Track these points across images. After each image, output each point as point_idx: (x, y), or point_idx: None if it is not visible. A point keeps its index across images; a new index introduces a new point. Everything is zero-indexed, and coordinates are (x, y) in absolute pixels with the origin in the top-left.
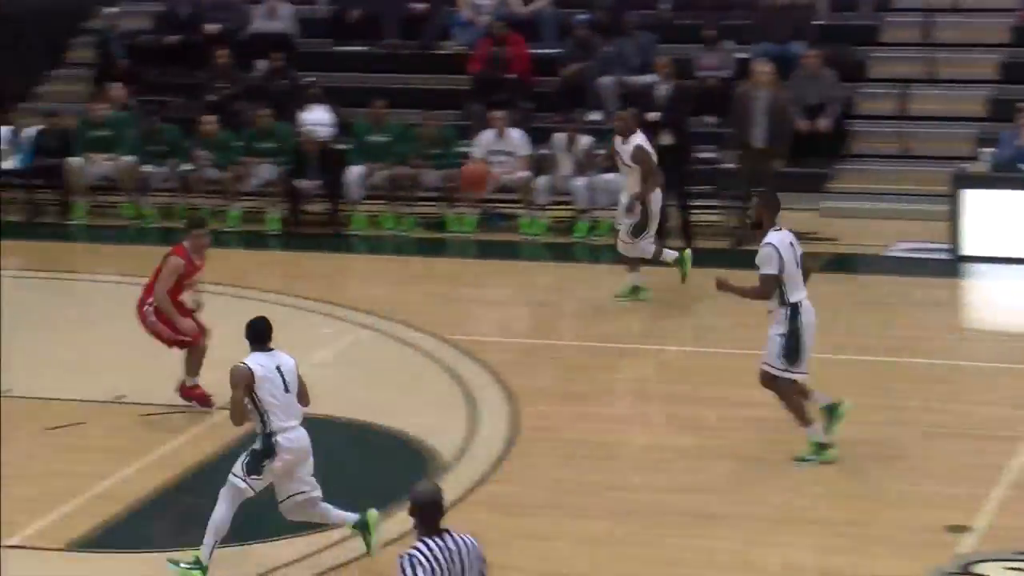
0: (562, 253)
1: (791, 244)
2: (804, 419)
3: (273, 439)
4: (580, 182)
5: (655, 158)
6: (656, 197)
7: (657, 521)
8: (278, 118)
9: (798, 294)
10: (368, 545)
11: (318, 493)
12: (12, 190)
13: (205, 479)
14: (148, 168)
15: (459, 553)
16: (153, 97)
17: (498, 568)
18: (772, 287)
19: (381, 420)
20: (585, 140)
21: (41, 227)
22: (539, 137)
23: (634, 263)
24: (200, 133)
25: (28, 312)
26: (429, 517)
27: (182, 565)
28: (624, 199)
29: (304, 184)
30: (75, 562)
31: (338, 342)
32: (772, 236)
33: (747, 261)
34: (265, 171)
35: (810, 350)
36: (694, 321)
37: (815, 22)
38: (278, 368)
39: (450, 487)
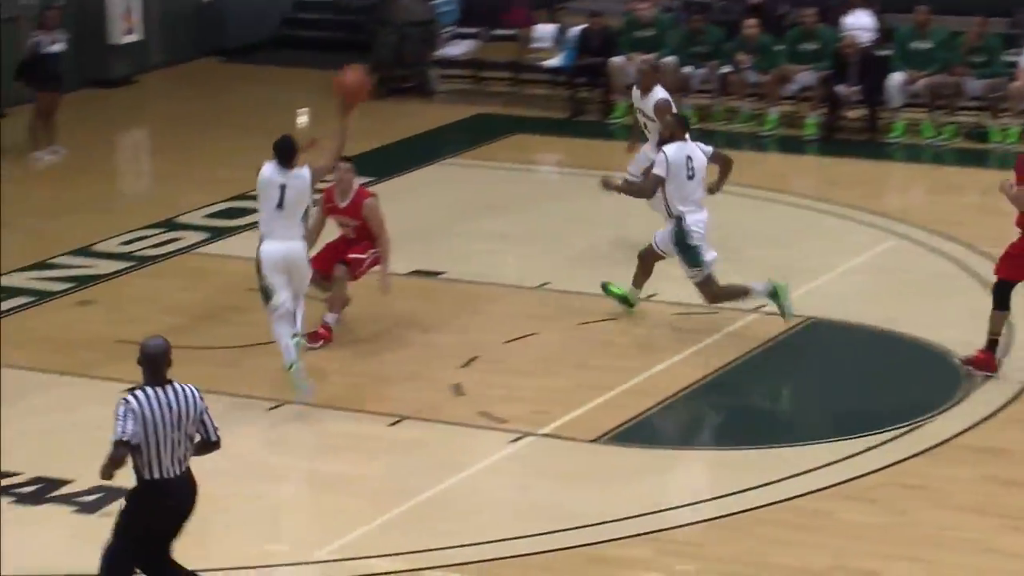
0: None
1: (688, 157)
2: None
3: (260, 244)
4: None
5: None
6: None
7: None
8: (821, 22)
9: (686, 207)
10: None
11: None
12: (556, 87)
13: (734, 380)
14: (689, 69)
15: (176, 402)
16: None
17: (1019, 486)
18: (653, 187)
19: (910, 330)
20: None
21: (582, 125)
22: None
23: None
24: (742, 37)
25: (566, 208)
26: (155, 368)
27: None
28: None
29: (843, 89)
30: (601, 455)
31: (871, 250)
32: (669, 146)
33: None
34: (805, 76)
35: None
36: None
37: None
38: (282, 186)
39: (978, 405)
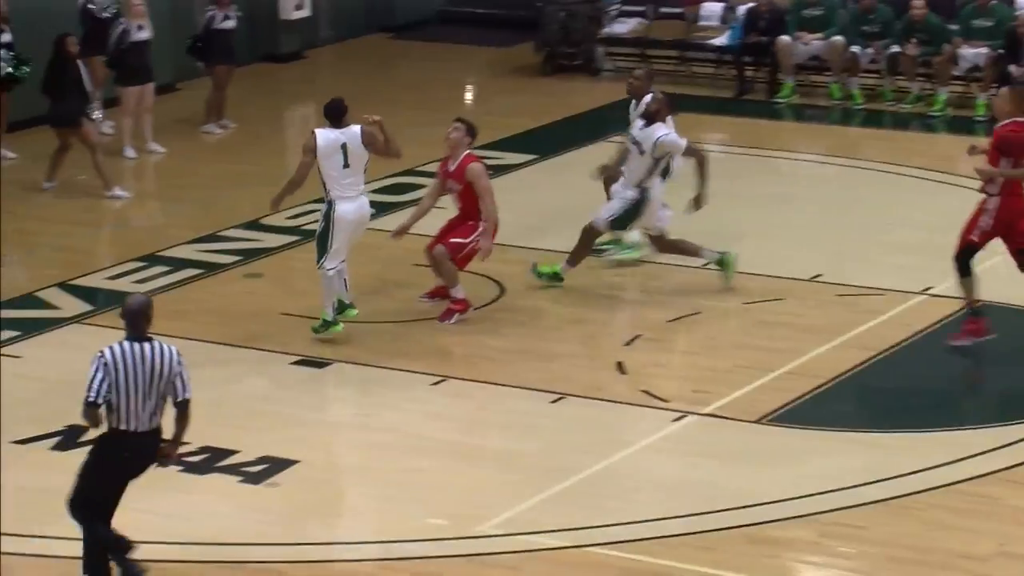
0: None
1: None
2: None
3: (332, 207)
4: None
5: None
6: None
7: None
8: None
9: (654, 183)
10: None
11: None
12: (722, 66)
13: (898, 362)
14: (857, 49)
15: (151, 359)
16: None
17: None
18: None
19: None
20: None
21: (748, 104)
22: None
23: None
24: (910, 17)
25: (730, 186)
26: (135, 324)
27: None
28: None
29: (1015, 69)
30: (762, 436)
31: None
32: (664, 127)
33: None
34: (976, 55)
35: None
36: None
37: None
38: (343, 146)
39: None
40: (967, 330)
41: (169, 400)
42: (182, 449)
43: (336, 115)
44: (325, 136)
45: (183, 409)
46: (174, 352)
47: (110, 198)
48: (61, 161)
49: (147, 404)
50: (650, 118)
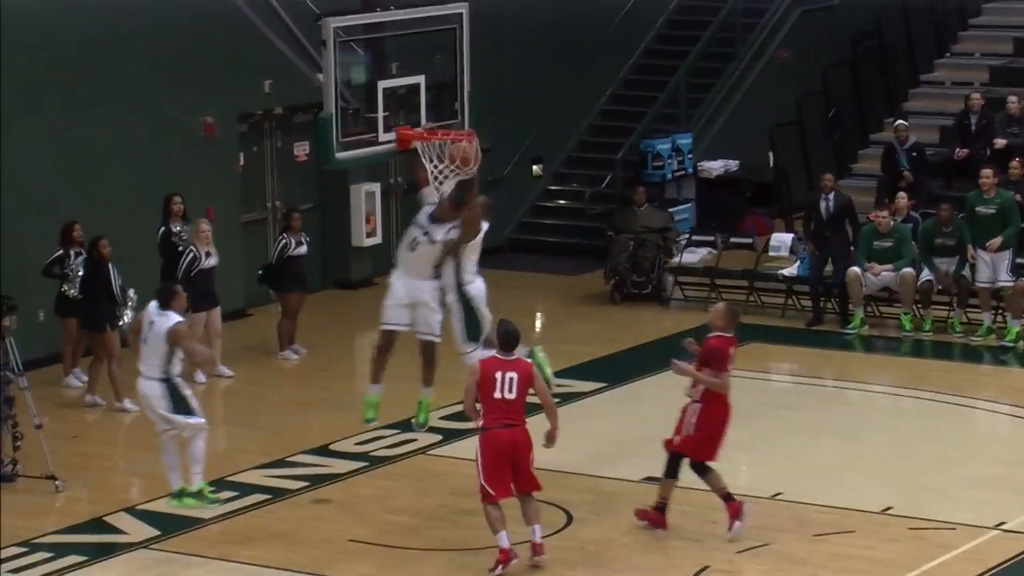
0: None
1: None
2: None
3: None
4: None
5: None
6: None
7: None
8: None
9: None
10: None
11: (182, 432)
12: (793, 296)
13: None
14: (925, 273)
15: None
16: (936, 209)
17: None
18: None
19: None
20: None
21: (819, 334)
22: None
23: None
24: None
25: (800, 417)
26: None
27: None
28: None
29: None
30: None
31: None
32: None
33: None
34: None
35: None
36: None
37: None
38: (151, 323)
39: None
40: (647, 517)
41: None
42: None
43: (163, 299)
44: (148, 308)
45: None
46: None
47: (119, 410)
48: (98, 371)
49: None
50: (437, 219)
